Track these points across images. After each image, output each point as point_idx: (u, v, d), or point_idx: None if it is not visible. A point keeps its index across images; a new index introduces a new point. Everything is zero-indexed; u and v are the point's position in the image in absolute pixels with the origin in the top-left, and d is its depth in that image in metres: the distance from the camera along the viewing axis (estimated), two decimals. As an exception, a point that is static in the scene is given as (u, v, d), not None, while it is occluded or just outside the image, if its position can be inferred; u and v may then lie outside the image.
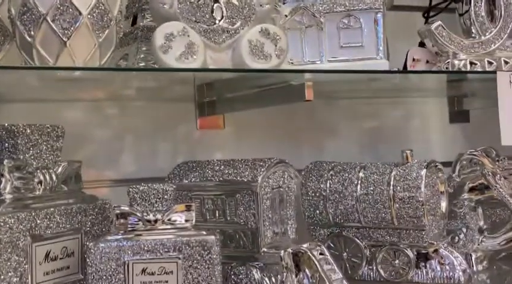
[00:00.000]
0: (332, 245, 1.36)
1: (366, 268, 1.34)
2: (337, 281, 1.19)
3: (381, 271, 1.32)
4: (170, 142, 1.44)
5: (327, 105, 1.57)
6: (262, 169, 1.21)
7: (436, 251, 1.30)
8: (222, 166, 1.24)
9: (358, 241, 1.34)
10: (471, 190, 1.42)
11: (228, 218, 1.22)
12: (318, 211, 1.36)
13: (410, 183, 1.29)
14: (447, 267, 1.29)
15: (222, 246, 1.20)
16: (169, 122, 1.44)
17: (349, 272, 1.34)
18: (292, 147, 1.54)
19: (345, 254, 1.35)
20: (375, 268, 1.33)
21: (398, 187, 1.29)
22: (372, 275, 1.33)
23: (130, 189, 1.11)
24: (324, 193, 1.35)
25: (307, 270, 1.18)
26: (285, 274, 1.18)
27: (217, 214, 1.23)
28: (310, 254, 1.18)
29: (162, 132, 1.43)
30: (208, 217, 1.24)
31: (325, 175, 1.36)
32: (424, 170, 1.29)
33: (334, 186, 1.35)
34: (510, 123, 1.22)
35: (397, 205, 1.29)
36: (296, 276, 1.18)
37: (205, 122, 1.45)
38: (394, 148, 1.44)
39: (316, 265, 1.18)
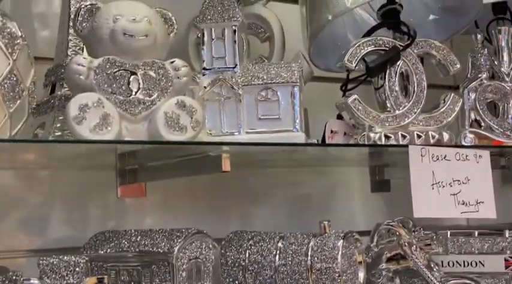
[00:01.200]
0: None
1: None
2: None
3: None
4: (90, 211, 1.42)
5: (251, 174, 1.58)
6: (179, 240, 1.20)
7: (355, 311, 1.32)
8: (139, 237, 1.23)
9: (276, 310, 1.34)
10: (389, 260, 1.43)
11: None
12: (237, 282, 1.36)
13: (327, 253, 1.30)
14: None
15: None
16: (89, 190, 1.43)
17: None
18: (215, 216, 1.54)
19: (262, 324, 1.35)
20: None
21: (316, 258, 1.30)
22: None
23: (41, 262, 1.10)
24: (243, 264, 1.35)
25: None
26: None
27: (131, 287, 1.22)
28: None
29: (81, 200, 1.42)
30: (123, 290, 1.23)
31: (245, 244, 1.36)
32: (341, 241, 1.30)
33: (253, 256, 1.35)
34: (422, 195, 1.25)
35: (315, 276, 1.30)
36: None
37: (126, 190, 1.44)
38: (319, 215, 1.46)
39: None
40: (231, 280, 1.36)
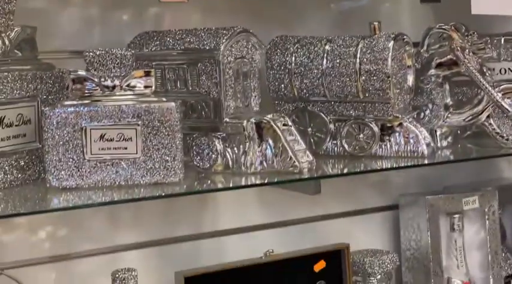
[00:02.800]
0: (297, 120, 1.33)
1: (330, 143, 1.32)
2: (300, 151, 1.17)
3: (345, 145, 1.31)
4: (131, 15, 1.38)
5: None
6: (225, 37, 1.17)
7: (400, 125, 1.29)
8: (184, 35, 1.20)
9: (323, 115, 1.31)
10: (439, 65, 1.39)
11: (190, 88, 1.19)
12: (283, 85, 1.33)
13: (377, 55, 1.26)
14: (411, 141, 1.28)
15: (184, 117, 1.18)
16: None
17: (313, 147, 1.32)
18: (259, 22, 1.48)
19: (309, 129, 1.33)
20: (339, 142, 1.31)
21: (365, 60, 1.26)
22: (336, 150, 1.32)
23: (87, 53, 1.08)
24: (289, 67, 1.32)
25: (270, 140, 1.16)
26: (247, 144, 1.16)
27: (178, 84, 1.20)
28: (273, 125, 1.16)
29: (123, 3, 1.37)
30: (169, 88, 1.20)
31: (291, 48, 1.32)
32: (392, 42, 1.26)
33: (299, 59, 1.31)
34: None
35: (363, 77, 1.26)
36: (259, 146, 1.17)
37: (167, -7, 1.40)
38: (365, 30, 1.41)
39: (279, 135, 1.16)
40: (276, 83, 1.33)
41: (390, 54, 1.25)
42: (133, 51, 1.08)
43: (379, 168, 1.24)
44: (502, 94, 1.35)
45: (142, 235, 1.36)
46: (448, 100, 1.40)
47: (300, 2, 1.54)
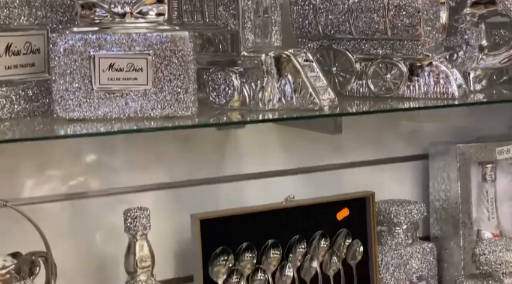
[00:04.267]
0: (321, 58, 1.26)
1: (355, 83, 1.25)
2: (322, 88, 1.11)
3: (371, 86, 1.24)
4: None
5: None
6: (245, -33, 1.11)
7: (430, 64, 1.21)
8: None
9: (349, 54, 1.25)
10: (474, 3, 1.31)
11: (207, 20, 1.13)
12: (307, 22, 1.26)
13: (407, -12, 1.19)
14: (441, 81, 1.21)
15: (200, 50, 1.13)
16: None
17: (338, 87, 1.26)
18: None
19: (334, 68, 1.26)
20: (365, 82, 1.25)
21: (394, -7, 1.20)
22: (361, 91, 1.25)
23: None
24: (314, 2, 1.25)
25: (289, 76, 1.10)
26: (265, 79, 1.10)
27: (195, 16, 1.14)
28: (294, 59, 1.10)
29: None
30: (185, 20, 1.14)
31: (317, -18, 1.26)
32: (423, -24, 1.19)
33: (325, -6, 1.25)
34: None
35: (392, 12, 1.19)
36: (277, 82, 1.11)
37: None
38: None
39: (299, 70, 1.10)
40: (300, 20, 1.26)
41: (421, -12, 1.18)
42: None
43: (404, 107, 1.18)
44: (541, 35, 1.27)
45: (159, 177, 1.32)
46: (484, 42, 1.32)
47: None
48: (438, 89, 1.21)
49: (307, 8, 1.25)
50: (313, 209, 1.35)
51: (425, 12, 1.19)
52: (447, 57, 1.29)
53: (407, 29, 1.19)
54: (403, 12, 1.18)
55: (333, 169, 1.45)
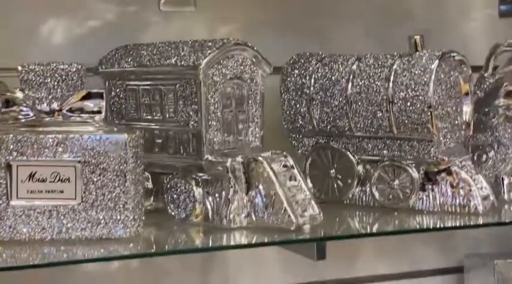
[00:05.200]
0: (317, 159, 1.05)
1: (358, 189, 1.04)
2: (302, 202, 0.90)
3: (376, 194, 1.01)
4: (126, 25, 1.15)
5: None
6: (209, 51, 0.91)
7: (448, 170, 0.99)
8: (163, 49, 0.95)
9: (349, 154, 1.03)
10: (509, 94, 1.08)
11: (167, 115, 0.94)
12: (300, 115, 1.06)
13: (416, 77, 0.96)
14: (461, 192, 0.98)
15: (160, 151, 0.94)
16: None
17: (337, 193, 1.04)
18: (282, 34, 1.21)
19: (332, 170, 1.04)
20: (368, 189, 1.03)
21: (400, 84, 0.97)
22: (364, 199, 1.03)
23: (21, 68, 0.84)
24: (308, 91, 1.04)
25: (261, 186, 0.89)
26: (231, 189, 0.90)
27: (153, 111, 0.95)
28: (267, 166, 0.89)
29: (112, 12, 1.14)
30: (143, 115, 0.96)
31: (311, 68, 1.05)
32: (436, 61, 0.96)
33: (319, 82, 1.04)
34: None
35: (397, 107, 0.98)
36: (246, 193, 0.90)
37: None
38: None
39: (272, 180, 0.88)
40: (292, 112, 1.06)
41: (433, 77, 0.95)
42: (81, 67, 0.85)
43: (412, 228, 0.94)
44: None
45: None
46: (521, 140, 1.09)
47: (340, 8, 1.26)
48: (458, 201, 0.97)
49: (299, 98, 1.05)
50: None
51: (439, 107, 0.97)
52: (475, 158, 1.07)
53: (416, 127, 0.96)
54: (411, 107, 0.96)
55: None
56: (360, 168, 1.03)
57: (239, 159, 0.89)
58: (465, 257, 1.27)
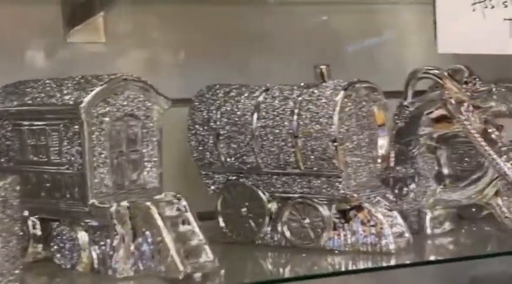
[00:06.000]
0: (229, 196, 0.99)
1: (269, 229, 0.98)
2: (195, 248, 0.84)
3: (287, 233, 0.96)
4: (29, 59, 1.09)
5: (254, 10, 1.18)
6: (92, 88, 0.85)
7: (359, 207, 0.93)
8: (48, 87, 0.89)
9: (260, 192, 0.97)
10: (431, 123, 1.02)
11: (52, 157, 0.88)
12: (208, 151, 1.00)
13: (320, 110, 0.91)
14: (373, 230, 0.92)
15: (47, 195, 0.88)
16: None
17: (249, 233, 0.98)
18: (200, 68, 1.15)
19: (244, 209, 0.98)
20: (280, 228, 0.97)
21: (304, 117, 0.92)
22: (276, 239, 0.97)
23: None
24: (214, 126, 0.99)
25: (148, 232, 0.83)
26: (117, 237, 0.84)
27: (39, 152, 0.89)
28: (153, 211, 0.83)
29: (17, 44, 1.09)
30: (30, 157, 0.90)
31: (218, 101, 0.99)
32: (342, 93, 0.90)
33: (226, 116, 0.98)
34: (453, 19, 0.82)
35: (302, 141, 0.92)
36: (133, 241, 0.84)
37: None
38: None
39: (158, 226, 0.82)
40: (200, 148, 1.00)
41: (338, 108, 0.90)
42: None
43: (318, 272, 0.87)
44: (513, 164, 0.97)
45: None
46: (443, 170, 1.03)
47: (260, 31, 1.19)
48: (369, 240, 0.91)
49: (206, 133, 0.99)
50: None
51: (347, 140, 0.91)
52: (396, 191, 1.01)
53: (322, 162, 0.90)
54: (315, 141, 0.90)
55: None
56: (271, 205, 0.97)
57: (124, 203, 0.83)
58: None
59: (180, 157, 1.05)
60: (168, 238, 0.81)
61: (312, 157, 0.91)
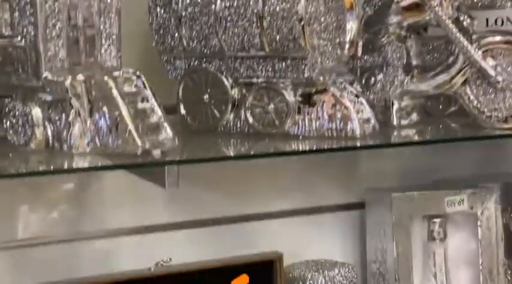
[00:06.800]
0: (191, 83, 0.96)
1: (232, 115, 0.95)
2: (154, 125, 0.80)
3: (250, 119, 0.93)
4: None
5: None
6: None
7: (325, 92, 0.90)
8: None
9: (222, 77, 0.94)
10: (401, 11, 0.99)
11: (3, 30, 0.83)
12: (169, 35, 0.96)
13: (287, -12, 0.87)
14: (338, 114, 0.90)
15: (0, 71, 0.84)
16: None
17: (211, 121, 0.95)
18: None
19: (206, 96, 0.95)
20: (243, 114, 0.94)
21: (270, -4, 0.88)
22: (239, 126, 0.94)
23: None
24: (176, 8, 0.95)
25: (105, 108, 0.80)
26: (72, 112, 0.80)
27: (-8, 26, 0.84)
28: (112, 85, 0.79)
29: None
30: (-18, 31, 0.85)
31: (181, -19, 0.95)
32: (310, -31, 0.87)
33: (189, -3, 0.94)
34: None
35: (267, 22, 0.88)
36: (90, 116, 0.80)
37: None
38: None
39: (116, 100, 0.79)
40: (161, 32, 0.95)
41: (306, -13, 0.86)
42: None
43: (280, 150, 0.85)
44: (484, 52, 0.94)
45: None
46: (412, 61, 1.00)
47: None
48: (334, 125, 0.89)
49: (167, 16, 0.95)
50: (199, 277, 1.04)
51: (315, 21, 0.88)
52: (363, 81, 0.98)
53: (288, 43, 0.87)
54: (282, 21, 0.87)
55: (232, 223, 1.14)
56: (234, 92, 0.94)
57: (80, 77, 0.79)
58: (365, 192, 1.20)
59: (140, 42, 1.01)
60: (126, 113, 0.78)
61: (278, 37, 0.87)
